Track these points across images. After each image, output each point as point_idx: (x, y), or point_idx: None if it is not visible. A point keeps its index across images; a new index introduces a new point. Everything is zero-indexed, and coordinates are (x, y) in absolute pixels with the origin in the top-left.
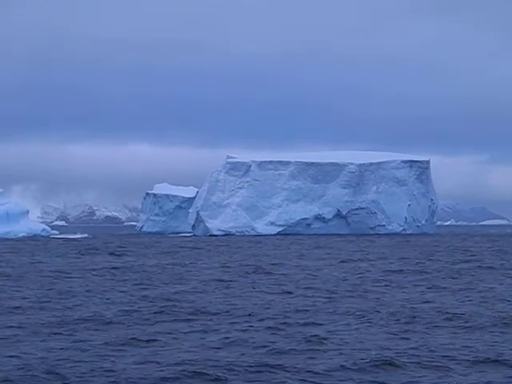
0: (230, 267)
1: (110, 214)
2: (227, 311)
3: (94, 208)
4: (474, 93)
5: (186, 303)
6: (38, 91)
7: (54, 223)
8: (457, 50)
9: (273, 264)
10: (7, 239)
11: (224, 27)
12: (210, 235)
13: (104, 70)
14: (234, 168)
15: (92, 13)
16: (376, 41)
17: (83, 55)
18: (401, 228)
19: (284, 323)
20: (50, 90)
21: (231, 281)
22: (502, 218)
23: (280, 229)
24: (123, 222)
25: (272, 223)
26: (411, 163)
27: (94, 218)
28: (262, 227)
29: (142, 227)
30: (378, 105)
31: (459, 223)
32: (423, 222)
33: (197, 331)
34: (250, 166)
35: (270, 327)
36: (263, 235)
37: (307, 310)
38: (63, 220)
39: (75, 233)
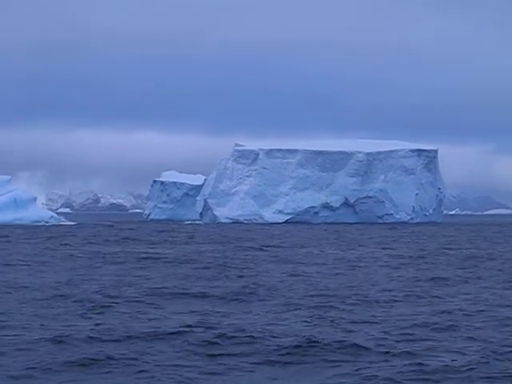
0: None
1: (114, 201)
2: None
3: (99, 195)
4: (480, 83)
5: None
6: (46, 79)
7: (58, 210)
8: (464, 41)
9: None
10: (20, 226)
11: (230, 17)
12: (218, 223)
13: (112, 59)
14: (242, 156)
15: (98, 3)
16: (384, 31)
17: (91, 45)
18: (408, 217)
19: None
20: (59, 78)
21: None
22: (507, 208)
23: (288, 217)
24: (128, 210)
25: (280, 211)
26: (419, 152)
27: (99, 205)
28: (269, 215)
29: (149, 214)
30: (386, 94)
31: (464, 212)
32: (431, 211)
33: None
34: (258, 154)
35: None
36: (271, 223)
37: None
38: (68, 207)
39: (82, 221)
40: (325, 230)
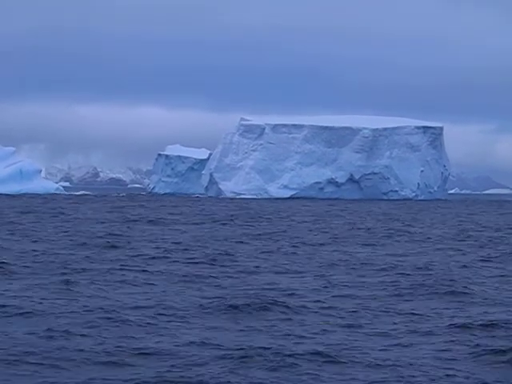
0: None
1: (114, 175)
2: None
3: (98, 170)
4: (485, 62)
5: None
6: (50, 55)
7: (58, 184)
8: (468, 21)
9: None
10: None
11: None
12: (223, 197)
13: (115, 36)
14: (248, 130)
15: None
16: (388, 13)
17: (94, 21)
18: (413, 194)
19: None
20: (63, 54)
21: None
22: (506, 188)
23: (293, 192)
24: (127, 184)
25: (285, 186)
26: (425, 129)
27: (98, 179)
28: (274, 190)
29: (153, 188)
30: (391, 73)
31: (463, 191)
32: (435, 188)
33: None
34: (264, 129)
35: None
36: (276, 198)
37: None
38: (67, 181)
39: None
40: None
